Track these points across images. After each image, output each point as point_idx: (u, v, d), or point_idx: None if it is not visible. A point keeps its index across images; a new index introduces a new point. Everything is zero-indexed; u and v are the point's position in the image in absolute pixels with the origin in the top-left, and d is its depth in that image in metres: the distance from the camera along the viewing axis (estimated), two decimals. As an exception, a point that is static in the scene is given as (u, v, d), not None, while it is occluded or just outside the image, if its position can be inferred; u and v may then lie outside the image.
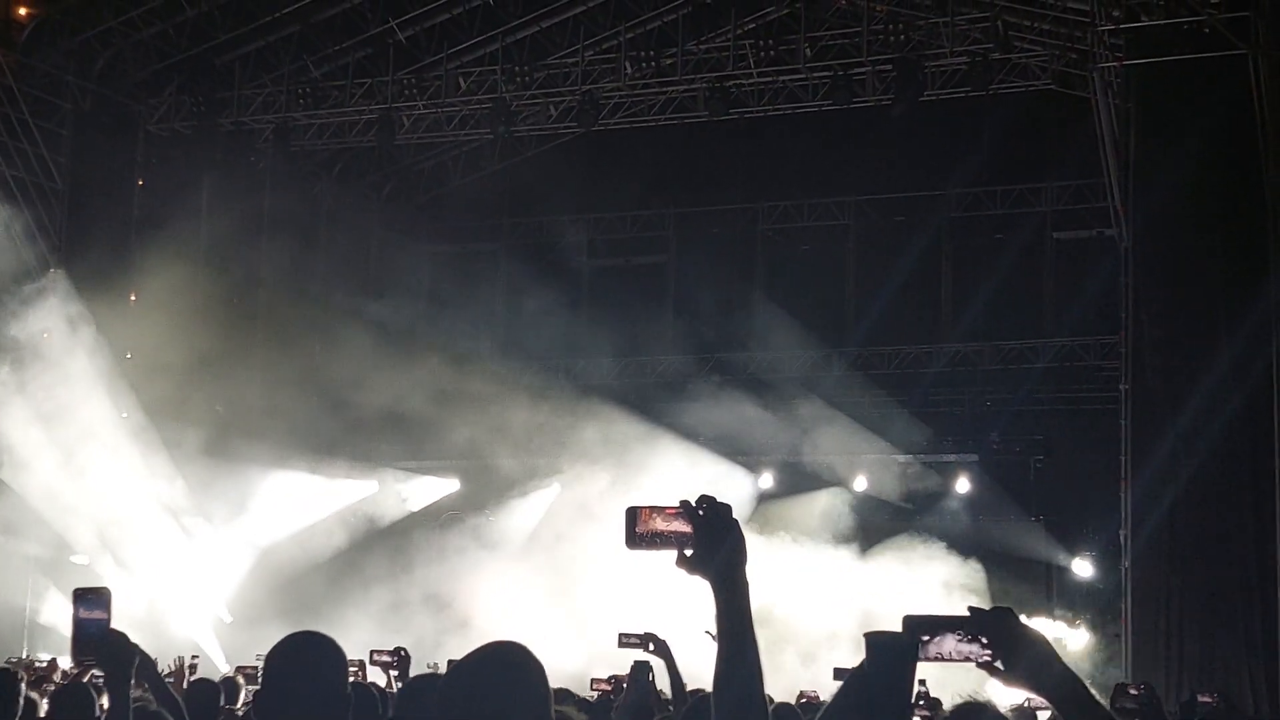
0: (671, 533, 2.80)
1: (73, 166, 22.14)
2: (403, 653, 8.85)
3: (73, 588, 4.10)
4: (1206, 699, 11.63)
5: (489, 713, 2.85)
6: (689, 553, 2.80)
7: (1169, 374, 16.76)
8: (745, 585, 2.79)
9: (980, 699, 3.16)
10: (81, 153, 22.21)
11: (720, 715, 2.77)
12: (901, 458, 22.63)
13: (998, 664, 2.69)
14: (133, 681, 4.27)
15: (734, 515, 2.82)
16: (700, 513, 2.81)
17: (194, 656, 16.53)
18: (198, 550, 22.58)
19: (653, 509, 2.83)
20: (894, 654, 2.74)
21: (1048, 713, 2.80)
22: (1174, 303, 16.90)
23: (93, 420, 20.24)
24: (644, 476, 21.24)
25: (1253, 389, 15.82)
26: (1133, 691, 10.20)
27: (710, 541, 2.79)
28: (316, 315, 23.10)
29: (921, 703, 11.41)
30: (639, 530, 2.83)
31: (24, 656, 17.36)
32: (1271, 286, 15.96)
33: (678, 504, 2.81)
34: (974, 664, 2.73)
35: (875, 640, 2.80)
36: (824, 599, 21.68)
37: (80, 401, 19.92)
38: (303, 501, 23.86)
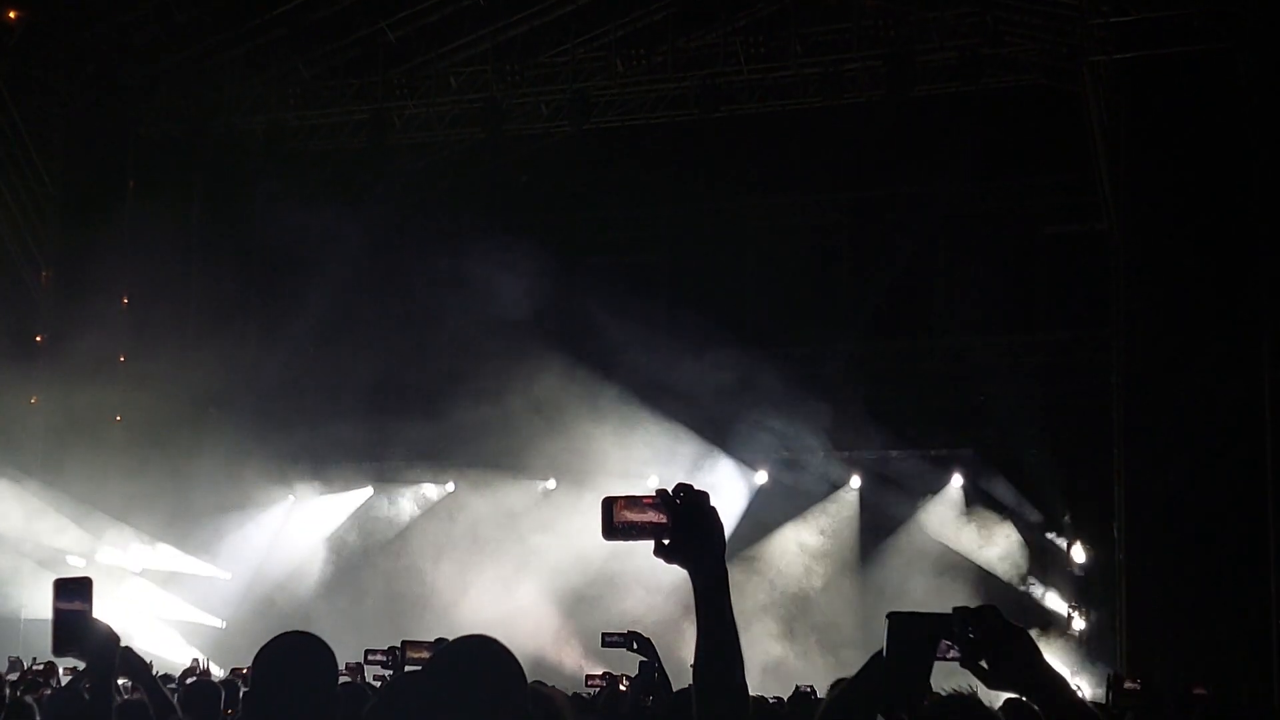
0: (648, 522, 2.77)
1: (64, 171, 22.12)
2: (397, 653, 8.86)
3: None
4: (1200, 691, 11.62)
5: (465, 705, 2.84)
6: (667, 541, 2.77)
7: (1161, 367, 16.79)
8: (724, 572, 2.78)
9: (965, 691, 3.15)
10: (73, 157, 22.18)
11: (700, 699, 2.77)
12: (896, 452, 22.66)
13: (982, 663, 2.65)
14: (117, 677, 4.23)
15: (711, 503, 2.80)
16: (677, 501, 2.78)
17: (207, 659, 16.55)
18: (186, 567, 22.59)
19: (629, 499, 2.80)
20: (913, 633, 2.72)
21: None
22: (1165, 295, 16.94)
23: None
24: (639, 472, 21.25)
25: (1244, 381, 15.86)
26: (1129, 685, 10.23)
27: (688, 530, 2.76)
28: (311, 315, 23.06)
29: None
30: (616, 521, 2.80)
31: (20, 659, 17.27)
32: (1262, 278, 16.00)
33: (654, 493, 2.79)
34: (958, 664, 2.70)
35: (896, 619, 2.78)
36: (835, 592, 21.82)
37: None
38: (300, 507, 23.85)
